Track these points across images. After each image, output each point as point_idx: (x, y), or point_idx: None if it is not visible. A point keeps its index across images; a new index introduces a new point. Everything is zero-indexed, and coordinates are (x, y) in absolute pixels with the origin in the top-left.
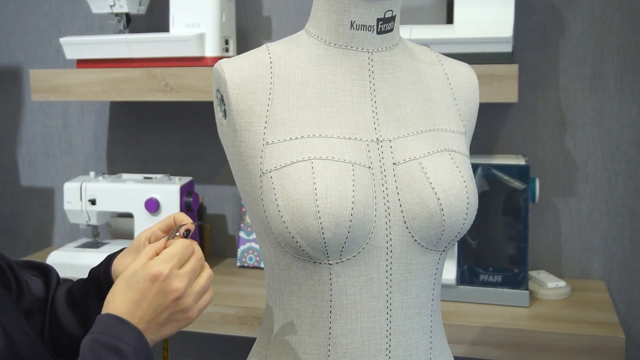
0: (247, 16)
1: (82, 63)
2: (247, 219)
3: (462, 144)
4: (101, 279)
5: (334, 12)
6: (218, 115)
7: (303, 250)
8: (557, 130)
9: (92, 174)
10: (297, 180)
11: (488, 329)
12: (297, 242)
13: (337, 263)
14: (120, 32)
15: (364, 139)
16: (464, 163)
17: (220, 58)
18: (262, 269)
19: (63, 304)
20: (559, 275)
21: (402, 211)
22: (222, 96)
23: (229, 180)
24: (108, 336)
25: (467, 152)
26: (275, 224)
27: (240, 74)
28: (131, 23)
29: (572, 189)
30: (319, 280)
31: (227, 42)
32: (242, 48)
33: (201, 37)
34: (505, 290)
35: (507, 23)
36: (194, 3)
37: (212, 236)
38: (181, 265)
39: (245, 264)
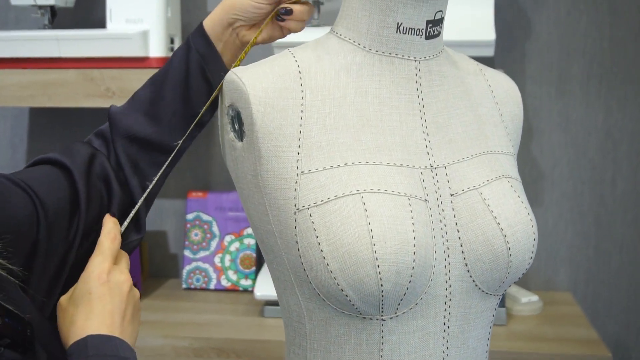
0: (191, 11)
1: (1, 62)
2: (193, 236)
3: (515, 168)
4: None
5: (377, 11)
6: (228, 135)
7: (352, 304)
8: (524, 136)
9: None
10: (346, 220)
11: None
12: (346, 295)
13: (390, 318)
14: (44, 27)
15: (417, 166)
16: (522, 191)
17: (167, 59)
18: (211, 290)
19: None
20: (526, 287)
21: (462, 252)
22: (237, 113)
23: (170, 193)
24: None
25: (519, 177)
26: (317, 273)
27: (264, 86)
28: (56, 17)
29: (538, 198)
30: (367, 338)
31: (172, 41)
32: None
33: (145, 35)
34: None
35: (488, 25)
36: None
37: (152, 255)
38: (114, 259)
39: (192, 286)
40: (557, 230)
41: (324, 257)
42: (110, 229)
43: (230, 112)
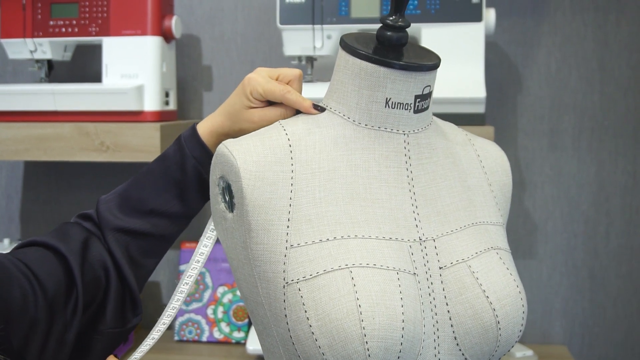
0: (185, 64)
1: None
2: None
3: (504, 238)
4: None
5: (366, 87)
6: (219, 206)
7: None
8: (516, 189)
9: (6, 241)
10: (335, 295)
11: None
12: None
13: None
14: (41, 80)
15: (406, 239)
16: (511, 262)
17: (161, 112)
18: (203, 343)
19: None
20: (520, 341)
21: (452, 325)
22: (227, 185)
23: None
24: None
25: (509, 247)
26: (306, 348)
27: (255, 160)
28: (53, 71)
29: (532, 250)
30: None
31: (167, 95)
32: (180, 99)
33: (140, 90)
34: None
35: (479, 83)
36: (131, 51)
37: (144, 306)
38: None
39: (185, 338)
40: (551, 283)
41: (313, 332)
42: None
43: (221, 183)
